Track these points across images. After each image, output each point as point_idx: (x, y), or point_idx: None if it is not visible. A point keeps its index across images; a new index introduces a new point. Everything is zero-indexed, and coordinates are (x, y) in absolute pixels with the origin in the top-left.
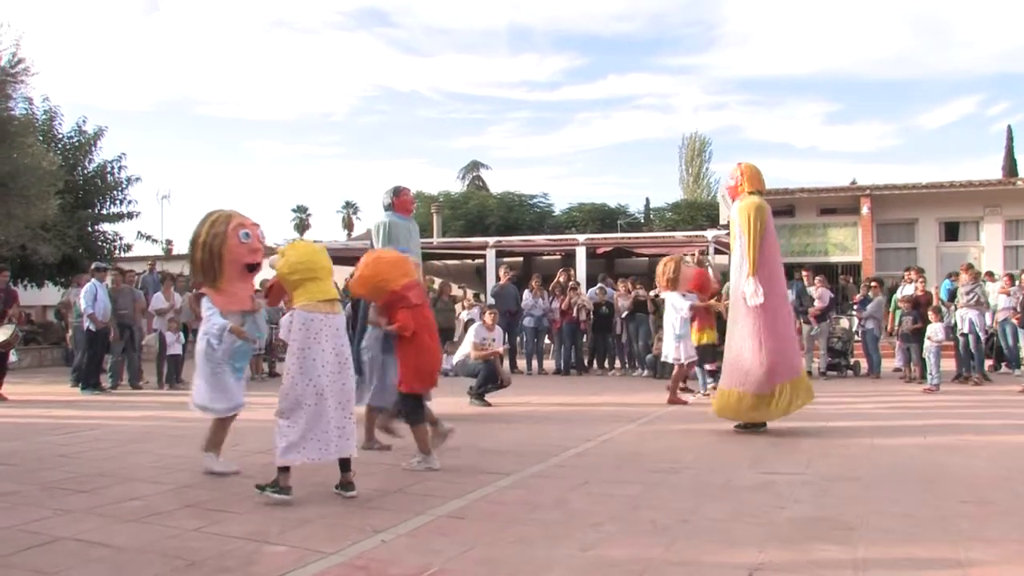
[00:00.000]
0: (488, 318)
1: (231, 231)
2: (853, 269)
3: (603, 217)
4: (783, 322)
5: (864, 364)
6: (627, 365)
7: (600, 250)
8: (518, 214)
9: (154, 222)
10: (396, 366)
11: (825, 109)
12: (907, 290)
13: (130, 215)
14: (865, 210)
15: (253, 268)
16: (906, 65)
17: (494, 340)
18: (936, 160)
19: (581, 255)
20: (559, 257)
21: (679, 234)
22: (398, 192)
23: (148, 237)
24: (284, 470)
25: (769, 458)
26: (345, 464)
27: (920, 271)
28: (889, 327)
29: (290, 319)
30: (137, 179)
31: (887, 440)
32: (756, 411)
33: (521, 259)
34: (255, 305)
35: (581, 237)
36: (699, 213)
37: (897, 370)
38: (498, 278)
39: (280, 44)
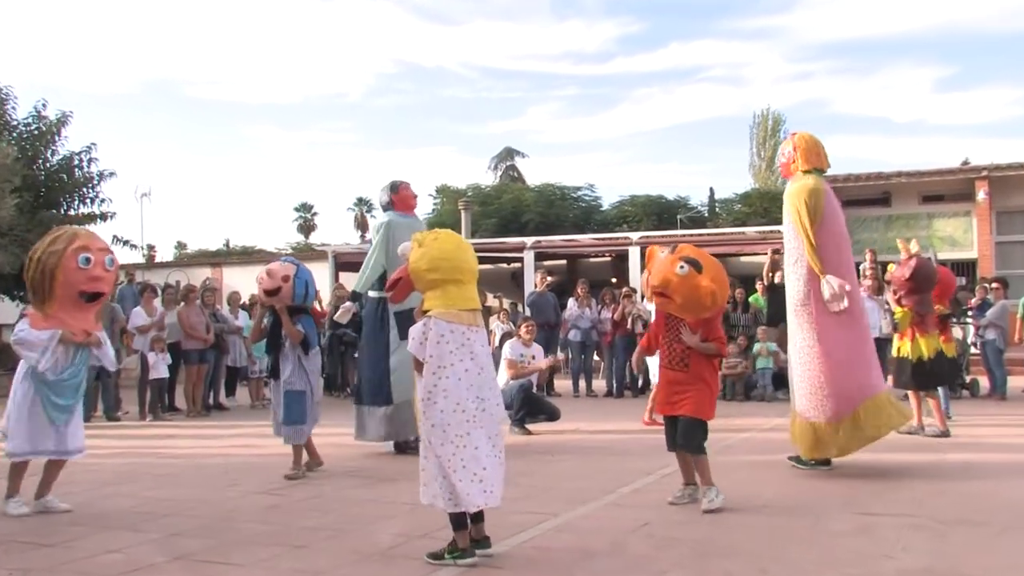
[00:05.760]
0: (524, 331)
1: (69, 252)
2: (967, 267)
3: (660, 211)
4: (848, 332)
5: (984, 382)
6: None
7: None
8: (560, 210)
9: (133, 224)
10: None
11: (935, 74)
12: None
13: (103, 216)
14: (982, 196)
15: (92, 298)
16: None
17: (533, 357)
18: None
19: (635, 256)
20: (609, 259)
21: (750, 229)
22: (396, 188)
23: (126, 242)
24: (459, 524)
25: (868, 496)
26: (479, 514)
27: None
28: (1017, 337)
29: (423, 329)
30: (111, 174)
31: (1020, 478)
32: (820, 445)
33: (564, 262)
34: (92, 339)
35: (634, 235)
36: (773, 204)
37: None
38: (536, 285)
39: (283, 12)
